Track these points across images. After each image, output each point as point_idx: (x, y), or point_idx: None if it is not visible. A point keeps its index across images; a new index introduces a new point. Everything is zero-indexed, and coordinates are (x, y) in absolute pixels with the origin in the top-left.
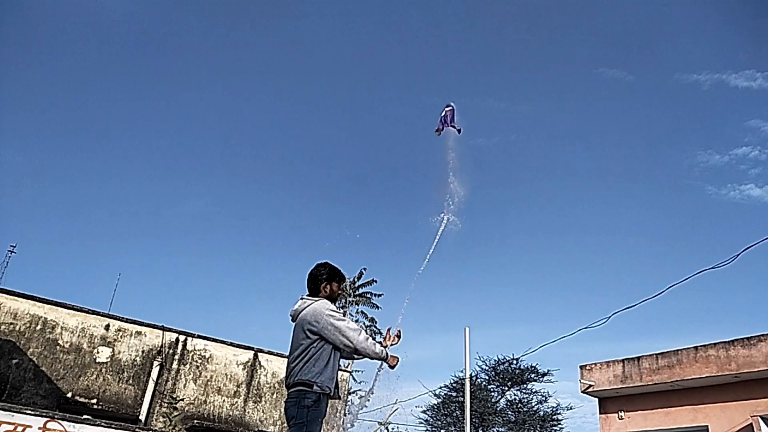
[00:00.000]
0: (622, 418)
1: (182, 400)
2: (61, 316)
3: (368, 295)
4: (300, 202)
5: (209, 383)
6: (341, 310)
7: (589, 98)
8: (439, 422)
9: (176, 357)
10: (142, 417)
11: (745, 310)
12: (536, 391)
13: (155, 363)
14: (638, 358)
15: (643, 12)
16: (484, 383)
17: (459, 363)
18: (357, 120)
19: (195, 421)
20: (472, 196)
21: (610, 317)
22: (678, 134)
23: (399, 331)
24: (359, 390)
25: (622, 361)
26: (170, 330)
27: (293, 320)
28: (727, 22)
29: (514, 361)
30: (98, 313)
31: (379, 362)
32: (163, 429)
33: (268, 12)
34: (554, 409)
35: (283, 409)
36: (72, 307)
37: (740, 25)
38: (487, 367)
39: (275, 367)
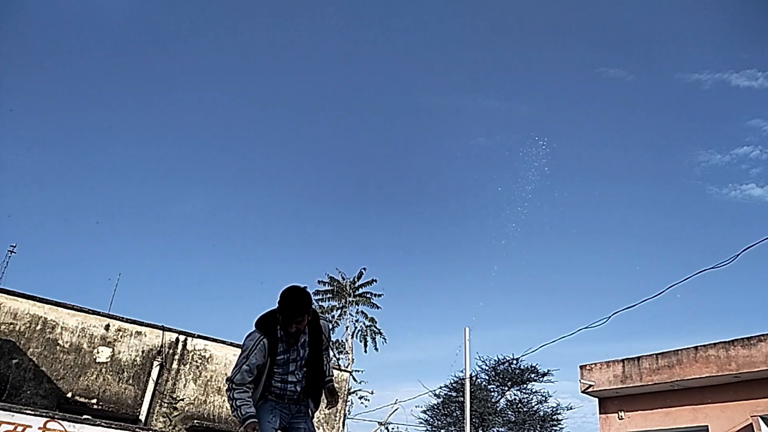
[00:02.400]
0: (622, 418)
1: (182, 400)
2: (61, 316)
3: (368, 295)
4: (300, 203)
5: (209, 383)
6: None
7: (589, 98)
8: (439, 422)
9: (176, 357)
10: (142, 417)
11: (745, 310)
12: (536, 391)
13: (155, 363)
14: (638, 358)
15: (643, 12)
16: (484, 383)
17: (459, 363)
18: (357, 121)
19: (195, 421)
20: (471, 196)
21: (610, 317)
22: (679, 134)
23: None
24: (359, 390)
25: (622, 361)
26: (170, 330)
27: None
28: (727, 21)
29: (514, 361)
30: (98, 313)
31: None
32: (163, 429)
33: (269, 12)
34: (554, 409)
35: None
36: (72, 307)
37: (741, 24)
38: (487, 367)
39: None
